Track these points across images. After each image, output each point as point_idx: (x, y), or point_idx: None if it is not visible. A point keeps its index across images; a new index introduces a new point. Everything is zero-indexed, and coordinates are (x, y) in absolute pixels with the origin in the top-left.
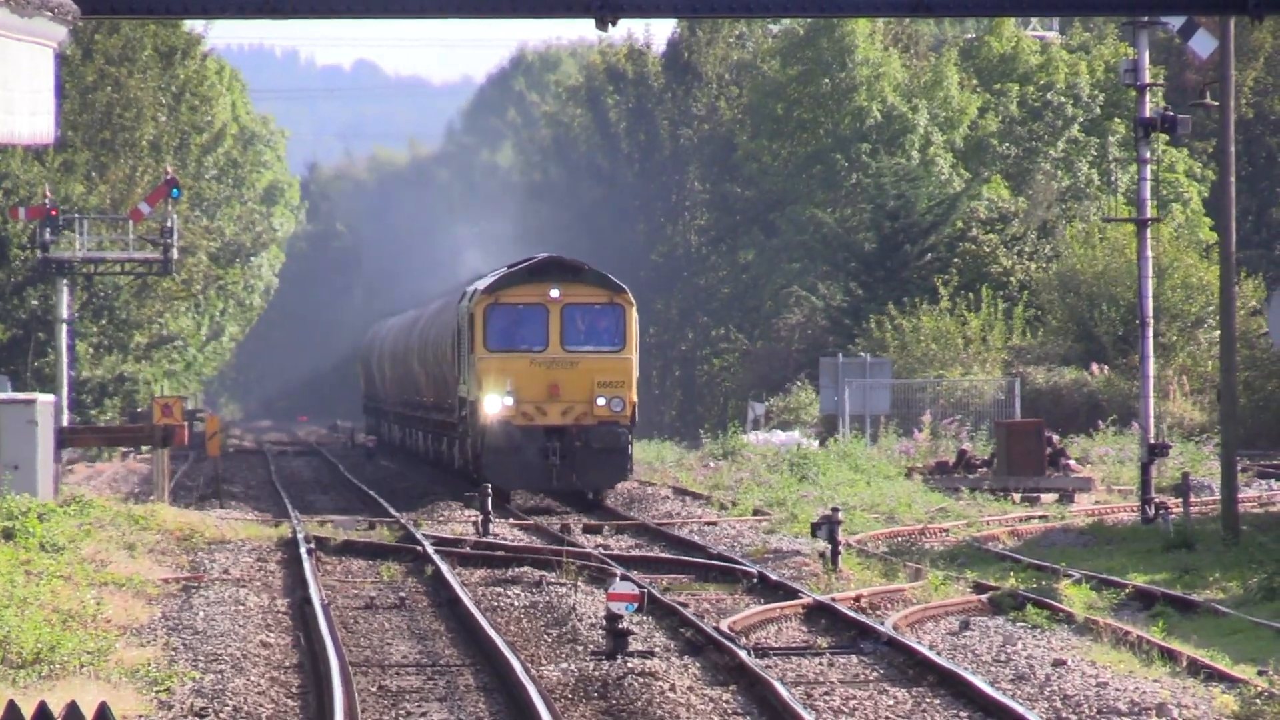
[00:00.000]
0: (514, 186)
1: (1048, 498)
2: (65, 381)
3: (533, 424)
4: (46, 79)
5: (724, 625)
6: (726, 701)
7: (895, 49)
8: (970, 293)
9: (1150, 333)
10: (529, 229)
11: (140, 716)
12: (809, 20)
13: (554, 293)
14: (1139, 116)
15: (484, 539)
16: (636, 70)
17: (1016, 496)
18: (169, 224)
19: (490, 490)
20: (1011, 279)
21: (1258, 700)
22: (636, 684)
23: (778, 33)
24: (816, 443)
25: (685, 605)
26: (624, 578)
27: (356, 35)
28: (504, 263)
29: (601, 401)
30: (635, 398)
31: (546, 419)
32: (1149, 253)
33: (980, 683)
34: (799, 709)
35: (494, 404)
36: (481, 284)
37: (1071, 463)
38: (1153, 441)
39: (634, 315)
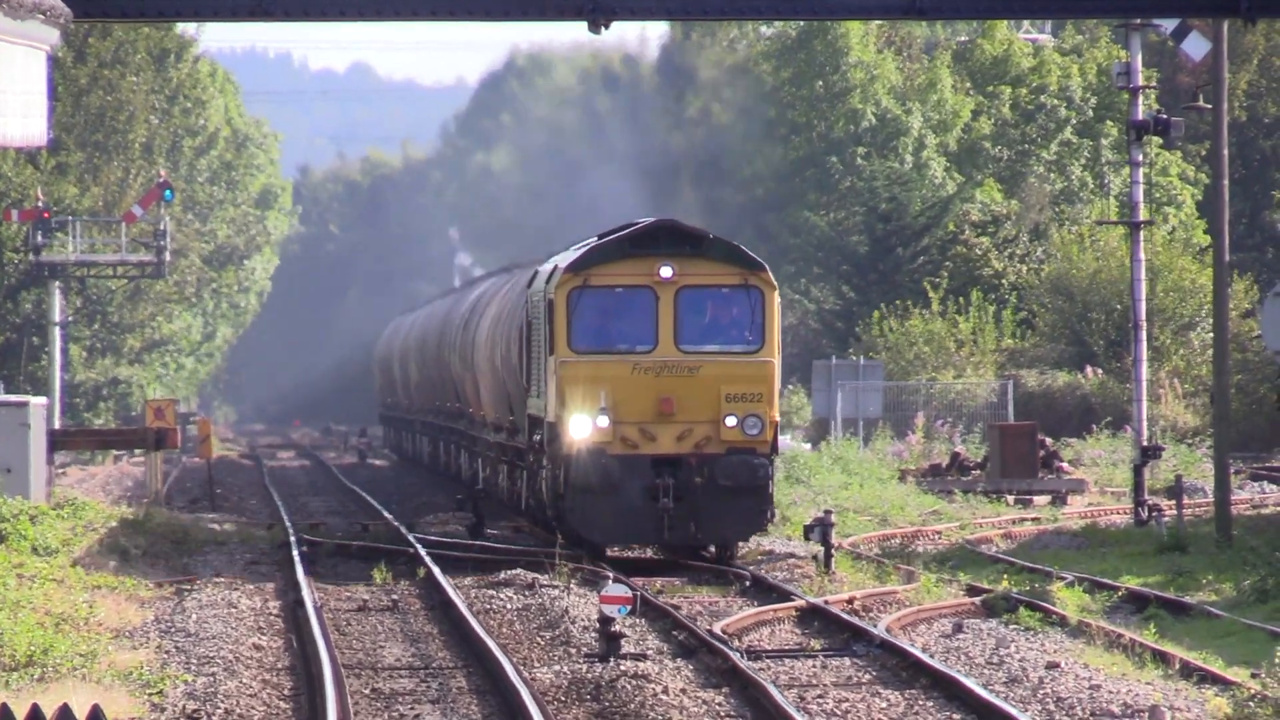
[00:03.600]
0: (508, 189)
1: (1041, 500)
2: (58, 385)
3: (636, 453)
4: (39, 81)
5: (717, 628)
6: (719, 704)
7: (889, 51)
8: (961, 296)
9: (1143, 336)
10: (523, 231)
11: (133, 719)
12: (801, 24)
13: (665, 270)
14: (1132, 119)
15: (476, 541)
16: (629, 75)
17: (1010, 499)
18: (162, 227)
19: (479, 502)
20: (1003, 281)
21: (1251, 703)
22: (629, 686)
23: (770, 35)
24: (809, 445)
25: (678, 608)
26: (616, 580)
27: (350, 38)
28: (498, 264)
29: (732, 421)
30: (777, 415)
31: (655, 446)
32: (1142, 256)
33: (973, 685)
34: (792, 711)
35: (582, 426)
36: (564, 259)
37: (1064, 465)
38: (1146, 444)
39: (776, 301)
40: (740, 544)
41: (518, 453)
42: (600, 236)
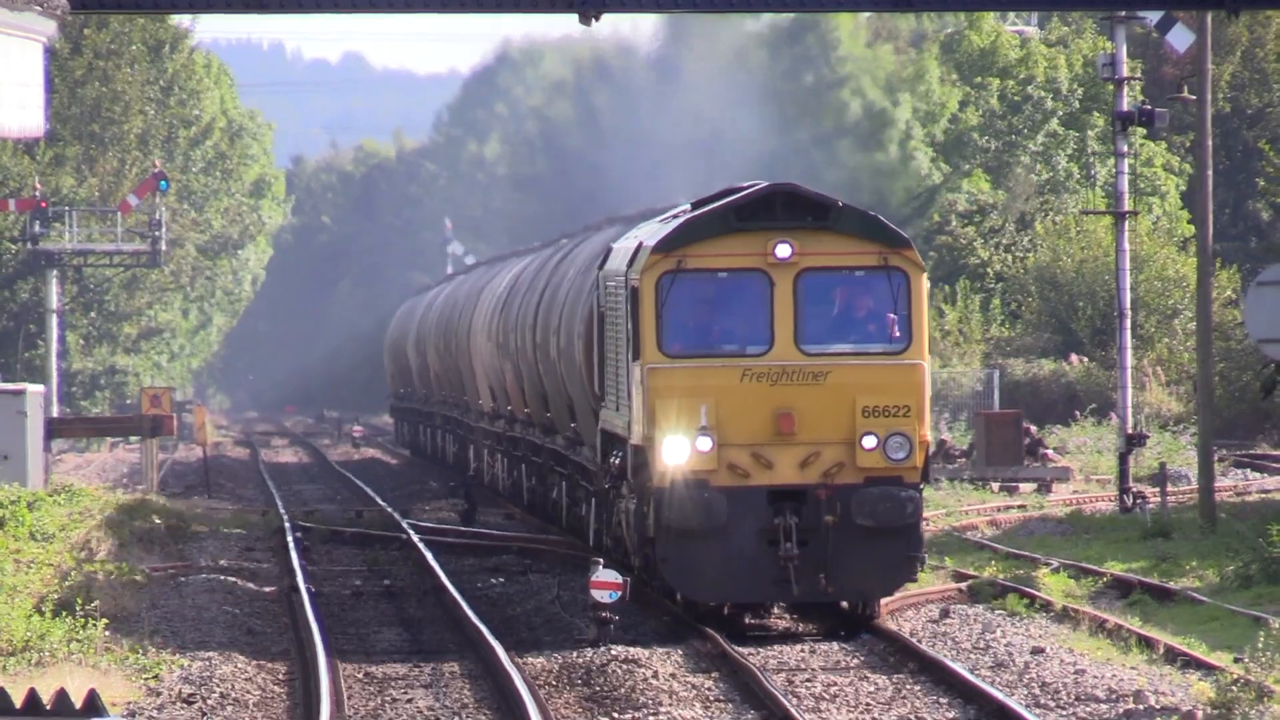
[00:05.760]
0: (501, 179)
1: (1026, 487)
2: (55, 373)
3: (748, 485)
4: (35, 73)
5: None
6: (709, 688)
7: (879, 44)
8: (948, 285)
9: (1128, 324)
10: (517, 220)
11: (129, 703)
12: (792, 16)
13: (782, 249)
14: (1117, 110)
15: (468, 528)
16: (621, 65)
17: (995, 486)
18: (157, 216)
19: (471, 489)
20: (989, 271)
21: (1234, 687)
22: (620, 670)
23: (764, 29)
24: None
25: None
26: (607, 566)
27: (343, 29)
28: (491, 253)
29: (871, 443)
30: (929, 434)
31: (773, 476)
32: (1127, 245)
33: (960, 669)
34: (779, 695)
35: (677, 451)
36: (650, 235)
37: (1050, 453)
38: (1130, 432)
39: (924, 287)
40: (881, 598)
41: (581, 470)
42: (694, 205)
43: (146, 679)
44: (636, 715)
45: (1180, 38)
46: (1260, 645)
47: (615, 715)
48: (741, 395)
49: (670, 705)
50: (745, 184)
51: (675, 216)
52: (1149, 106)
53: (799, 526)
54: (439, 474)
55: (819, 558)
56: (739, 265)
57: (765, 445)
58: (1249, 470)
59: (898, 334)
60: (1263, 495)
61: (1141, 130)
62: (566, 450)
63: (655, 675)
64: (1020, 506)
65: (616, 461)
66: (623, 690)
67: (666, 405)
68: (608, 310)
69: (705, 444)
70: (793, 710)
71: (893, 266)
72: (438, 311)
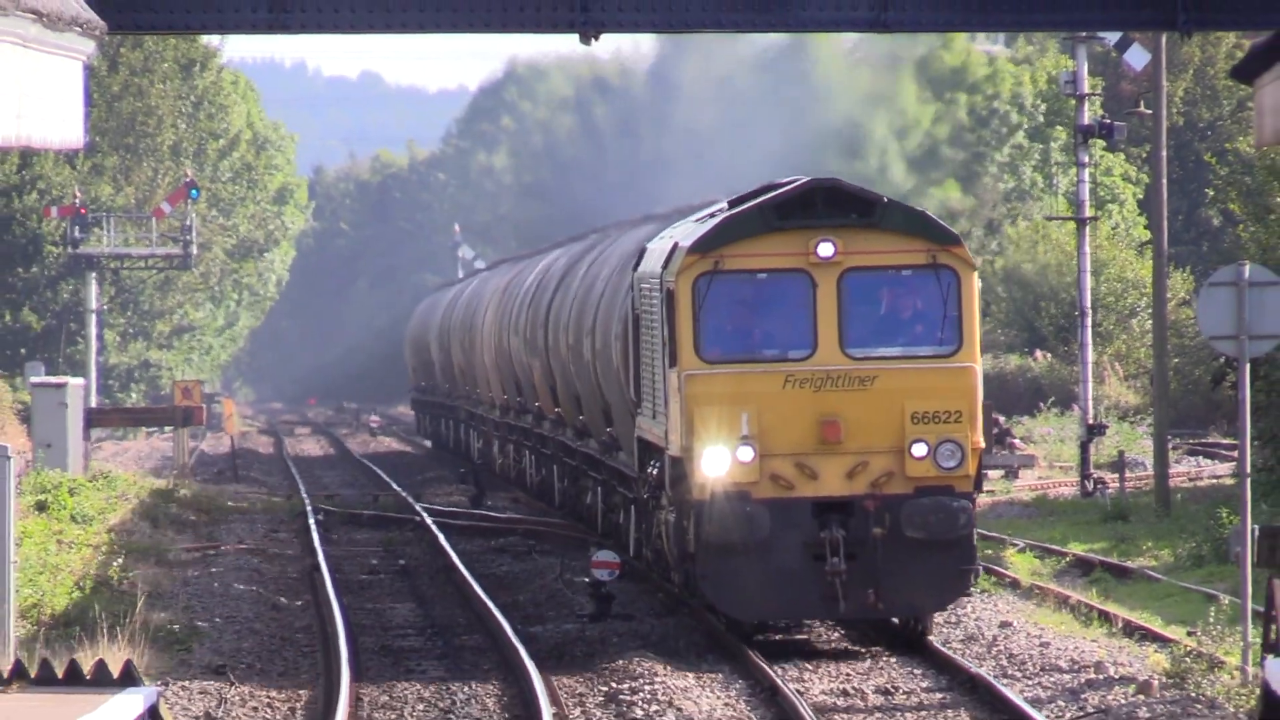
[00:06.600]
0: (507, 187)
1: (995, 474)
2: (94, 367)
3: (793, 496)
4: (76, 89)
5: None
6: (697, 656)
7: (856, 63)
8: None
9: (1089, 322)
10: (522, 225)
11: (163, 674)
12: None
13: (825, 248)
14: (1078, 124)
15: (478, 511)
16: (621, 82)
17: None
18: (188, 222)
19: (479, 474)
20: None
21: (1187, 659)
22: (619, 644)
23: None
24: None
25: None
26: (605, 547)
27: (360, 48)
28: (499, 256)
29: (921, 450)
30: (981, 440)
31: (818, 487)
32: (1088, 249)
33: (933, 642)
34: (763, 664)
35: (717, 462)
36: (686, 235)
37: (1016, 442)
38: (1091, 422)
39: (975, 286)
40: (933, 614)
41: (618, 476)
42: (731, 203)
43: (179, 651)
44: (633, 685)
45: (1137, 57)
46: (1211, 619)
47: (614, 685)
48: (784, 402)
49: (665, 676)
50: (784, 180)
51: (712, 215)
52: (1108, 120)
53: (846, 539)
54: (451, 461)
55: (868, 572)
56: (779, 265)
57: (810, 455)
58: (1201, 458)
59: (946, 336)
60: (1214, 481)
61: (1101, 142)
62: (602, 456)
63: (651, 645)
64: (989, 491)
65: (654, 472)
66: (621, 661)
67: (705, 414)
68: (642, 314)
69: (747, 454)
70: (776, 679)
71: (942, 265)
72: (462, 308)
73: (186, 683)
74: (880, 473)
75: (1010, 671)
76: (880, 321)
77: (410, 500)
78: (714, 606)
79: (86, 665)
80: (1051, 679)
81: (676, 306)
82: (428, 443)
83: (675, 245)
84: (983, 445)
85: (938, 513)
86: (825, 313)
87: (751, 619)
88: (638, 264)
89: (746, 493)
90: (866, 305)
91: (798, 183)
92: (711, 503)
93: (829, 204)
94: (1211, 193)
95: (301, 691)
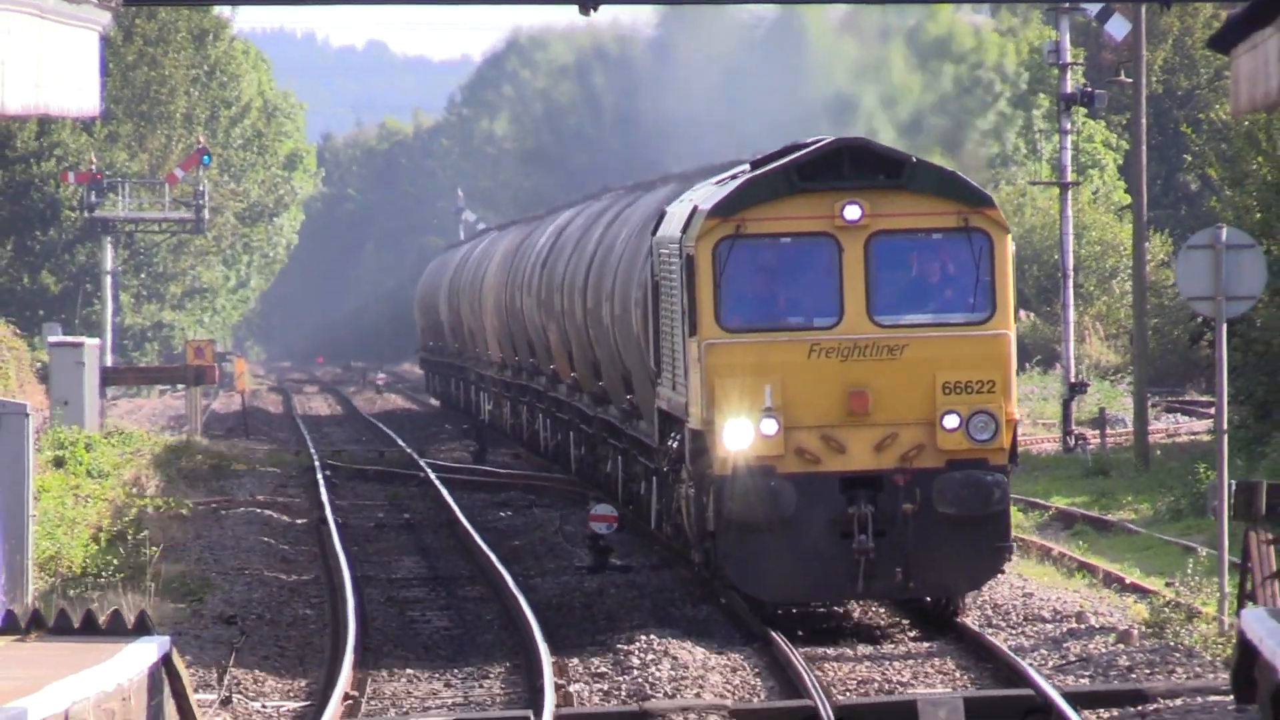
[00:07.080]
0: (509, 154)
1: None
2: (110, 327)
3: (819, 471)
4: (92, 59)
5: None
6: (693, 607)
7: (847, 34)
8: None
9: (1071, 284)
10: (523, 190)
11: (176, 623)
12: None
13: (852, 211)
14: (1061, 92)
15: (480, 466)
16: (620, 51)
17: None
18: (201, 188)
19: (482, 430)
20: None
21: (1165, 609)
22: (617, 595)
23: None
24: None
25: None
26: (602, 501)
27: (367, 18)
28: (501, 219)
29: (953, 422)
30: (1016, 411)
31: (846, 461)
32: (1070, 213)
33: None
34: (754, 616)
35: (740, 435)
36: (706, 199)
37: None
38: (1073, 380)
39: (1009, 250)
40: (966, 593)
41: (639, 445)
42: (754, 164)
43: (192, 601)
44: (630, 634)
45: (1118, 27)
46: (1189, 571)
47: (611, 635)
48: (809, 372)
49: (661, 626)
50: (809, 140)
51: (734, 177)
52: (1089, 89)
53: (875, 516)
54: (456, 419)
55: (897, 550)
56: (804, 229)
57: (836, 427)
58: (1179, 415)
59: (978, 302)
60: (1191, 437)
61: (1083, 110)
62: (622, 424)
63: (645, 597)
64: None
65: (675, 444)
66: (620, 610)
67: (727, 385)
68: (662, 280)
69: (770, 427)
70: (776, 636)
71: (974, 228)
72: (471, 269)
73: (199, 632)
74: (910, 446)
75: (995, 621)
76: (909, 287)
77: (415, 456)
78: (736, 587)
79: (102, 616)
80: (1035, 629)
81: (696, 273)
82: (434, 401)
83: (695, 209)
84: (1017, 417)
85: (971, 487)
86: (852, 278)
87: (776, 600)
88: (656, 228)
89: (771, 467)
90: (895, 270)
91: (823, 142)
92: (733, 478)
93: (855, 164)
94: (1189, 159)
95: (310, 641)
